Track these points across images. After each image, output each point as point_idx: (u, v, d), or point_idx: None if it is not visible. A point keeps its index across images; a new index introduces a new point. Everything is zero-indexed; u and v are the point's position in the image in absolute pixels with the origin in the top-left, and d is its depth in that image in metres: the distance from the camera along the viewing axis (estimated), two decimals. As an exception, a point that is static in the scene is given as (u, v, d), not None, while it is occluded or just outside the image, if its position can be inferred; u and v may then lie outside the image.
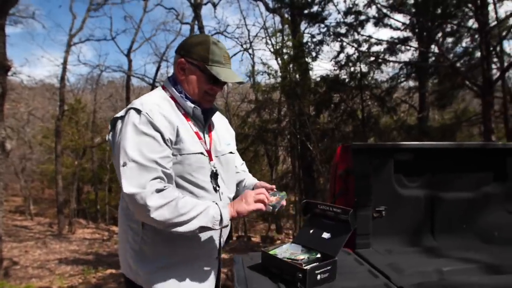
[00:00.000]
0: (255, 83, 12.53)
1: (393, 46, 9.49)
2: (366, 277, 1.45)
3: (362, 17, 9.20)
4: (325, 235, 1.45)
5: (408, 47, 9.61)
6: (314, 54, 9.94)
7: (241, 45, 15.02)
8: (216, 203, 1.19)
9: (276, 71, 11.07)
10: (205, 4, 14.12)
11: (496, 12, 6.95)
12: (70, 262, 9.15)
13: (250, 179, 1.54)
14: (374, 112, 10.30)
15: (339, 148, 2.06)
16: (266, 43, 14.00)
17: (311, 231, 1.52)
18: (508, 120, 7.06)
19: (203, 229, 1.17)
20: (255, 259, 1.54)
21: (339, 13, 9.24)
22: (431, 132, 8.42)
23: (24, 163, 18.64)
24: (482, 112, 7.23)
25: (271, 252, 1.44)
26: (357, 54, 9.50)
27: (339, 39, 9.50)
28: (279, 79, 10.88)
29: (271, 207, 1.28)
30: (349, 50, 9.84)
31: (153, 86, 15.32)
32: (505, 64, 7.44)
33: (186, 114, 1.31)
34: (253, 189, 1.42)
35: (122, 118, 1.24)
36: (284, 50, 11.09)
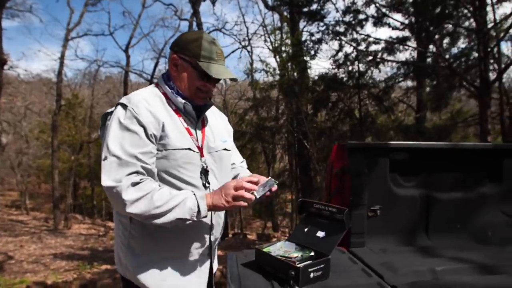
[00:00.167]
0: (253, 81, 12.52)
1: (391, 46, 9.50)
2: (360, 275, 1.45)
3: (361, 16, 9.20)
4: (320, 233, 1.45)
5: (406, 47, 9.62)
6: (312, 52, 9.95)
7: (240, 42, 14.99)
8: (194, 194, 1.18)
9: (274, 69, 11.06)
10: (204, 0, 14.07)
11: (494, 13, 6.96)
12: (65, 257, 9.13)
13: (243, 173, 1.52)
14: (372, 112, 10.32)
15: (335, 146, 2.06)
16: (265, 40, 13.98)
17: (305, 229, 1.52)
18: (504, 121, 7.10)
19: (181, 220, 1.17)
20: (249, 256, 1.53)
21: (337, 11, 9.23)
22: (427, 133, 8.45)
23: (20, 158, 18.54)
24: (479, 113, 7.25)
25: (265, 250, 1.44)
26: (355, 53, 9.50)
27: (337, 38, 9.49)
28: (277, 77, 10.88)
29: (254, 197, 1.22)
30: (348, 49, 9.86)
31: (151, 82, 15.25)
32: (503, 65, 7.46)
33: (178, 110, 1.31)
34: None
35: (111, 113, 1.26)
36: (283, 48, 11.08)
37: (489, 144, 2.20)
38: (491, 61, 7.45)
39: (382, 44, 9.58)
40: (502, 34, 7.13)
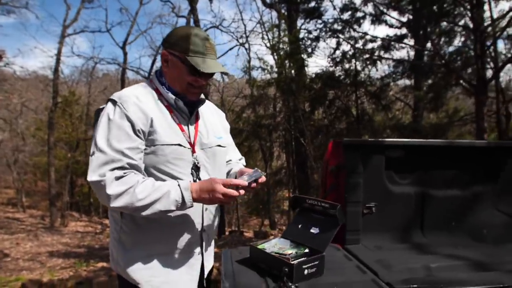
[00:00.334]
0: (250, 78, 12.50)
1: (388, 44, 9.50)
2: (354, 272, 1.45)
3: (359, 14, 9.19)
4: (314, 230, 1.45)
5: (403, 45, 9.63)
6: (310, 50, 9.94)
7: (237, 40, 14.93)
8: (179, 185, 1.17)
9: (271, 67, 11.05)
10: (201, -4, 13.99)
11: (491, 11, 6.97)
12: (61, 255, 9.11)
13: (235, 169, 1.50)
14: (369, 110, 10.33)
15: (331, 143, 2.05)
16: (262, 38, 13.92)
17: (299, 226, 1.52)
18: (500, 119, 7.13)
19: (166, 212, 1.17)
20: (243, 253, 1.53)
21: (335, 9, 9.22)
22: (423, 131, 8.47)
23: (16, 155, 18.44)
24: (475, 111, 7.28)
25: (259, 247, 1.43)
26: (353, 51, 9.50)
27: (335, 36, 9.49)
28: (274, 75, 10.86)
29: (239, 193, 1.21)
30: (345, 47, 9.85)
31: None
32: (499, 63, 7.48)
33: (170, 106, 1.30)
34: (235, 177, 1.39)
35: (103, 109, 1.26)
36: (280, 46, 11.07)
37: (485, 142, 2.20)
38: (488, 59, 7.47)
39: (380, 42, 9.59)
40: (499, 32, 7.14)
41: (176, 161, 1.25)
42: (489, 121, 7.70)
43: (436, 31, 8.68)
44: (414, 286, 1.34)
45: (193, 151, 1.30)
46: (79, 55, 23.14)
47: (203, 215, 1.33)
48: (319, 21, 9.75)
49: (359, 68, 9.61)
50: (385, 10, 9.16)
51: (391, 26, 9.44)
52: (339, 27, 9.52)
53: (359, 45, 9.48)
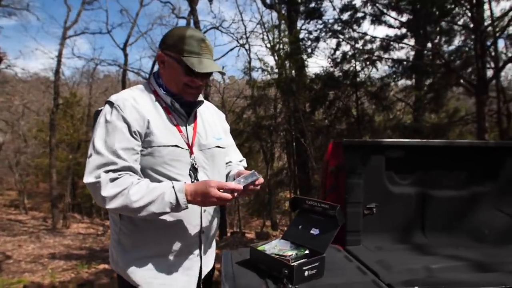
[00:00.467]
0: (251, 79, 12.50)
1: (388, 44, 9.50)
2: (355, 273, 1.44)
3: (359, 15, 9.19)
4: (314, 231, 1.45)
5: (403, 45, 9.62)
6: (310, 50, 9.94)
7: (237, 41, 14.94)
8: (173, 187, 1.17)
9: (272, 67, 11.05)
10: (201, -2, 13.98)
11: (491, 11, 6.96)
12: (63, 257, 9.12)
13: (234, 171, 1.50)
14: (369, 110, 10.32)
15: (331, 144, 2.05)
16: (263, 39, 13.92)
17: (299, 227, 1.51)
18: (501, 119, 7.11)
19: (161, 214, 1.17)
20: (244, 255, 1.52)
21: (334, 9, 9.23)
22: (424, 131, 8.45)
23: (18, 157, 18.49)
24: (476, 111, 7.26)
25: (259, 248, 1.43)
26: (353, 51, 9.50)
27: (335, 36, 9.49)
28: (275, 75, 10.87)
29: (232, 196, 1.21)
30: (345, 47, 9.85)
31: (149, 81, 15.17)
32: (500, 63, 7.46)
33: (168, 108, 1.31)
34: (234, 179, 1.39)
35: (101, 111, 1.27)
36: (280, 46, 11.07)
37: (485, 142, 2.20)
38: (488, 59, 7.45)
39: (380, 42, 9.59)
40: (499, 32, 7.13)
41: (173, 163, 1.25)
42: (490, 121, 7.67)
43: (436, 30, 8.67)
44: (415, 287, 1.34)
45: (191, 152, 1.30)
46: (80, 56, 23.33)
47: (201, 216, 1.33)
48: (320, 22, 9.76)
49: (358, 68, 9.61)
50: (385, 11, 9.16)
51: (390, 26, 9.44)
52: (339, 28, 9.52)
53: (359, 45, 9.48)
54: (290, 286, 1.23)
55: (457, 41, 9.16)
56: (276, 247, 1.44)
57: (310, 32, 10.15)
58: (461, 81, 8.02)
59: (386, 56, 9.60)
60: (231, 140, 1.60)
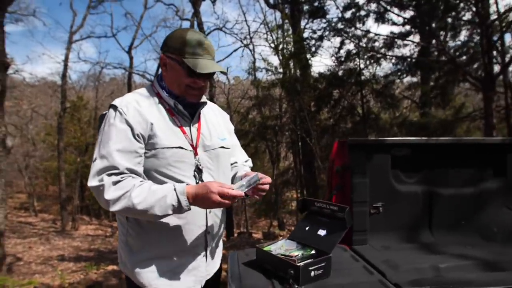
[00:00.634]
0: (255, 79, 12.50)
1: (393, 41, 9.42)
2: (361, 273, 1.44)
3: (363, 12, 9.12)
4: (321, 232, 1.44)
5: (407, 42, 9.53)
6: (313, 49, 9.90)
7: (241, 41, 14.94)
8: (175, 189, 1.17)
9: (276, 67, 11.04)
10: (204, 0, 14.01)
11: (497, 5, 6.85)
12: (72, 259, 9.22)
13: (240, 172, 1.50)
14: (374, 108, 10.25)
15: (336, 143, 2.05)
16: (266, 39, 13.90)
17: (306, 227, 1.51)
18: (510, 115, 7.00)
19: (164, 216, 1.18)
20: (250, 255, 1.53)
21: (337, 8, 9.16)
22: (431, 127, 8.36)
23: (27, 160, 18.73)
24: (484, 107, 7.16)
25: (265, 249, 1.43)
26: (357, 49, 9.44)
27: (339, 34, 9.43)
28: (279, 75, 10.85)
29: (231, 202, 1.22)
30: (349, 45, 9.79)
31: (154, 83, 15.24)
32: (507, 58, 7.36)
33: (171, 109, 1.32)
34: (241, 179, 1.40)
35: (106, 115, 1.29)
36: (284, 46, 11.05)
37: (493, 139, 2.17)
38: (495, 54, 7.34)
39: (384, 40, 9.51)
40: (505, 27, 7.01)
41: (177, 164, 1.26)
42: (498, 117, 7.56)
43: (441, 26, 8.56)
44: (423, 287, 1.33)
45: (196, 153, 1.31)
46: (86, 60, 23.50)
47: (207, 217, 1.33)
48: (323, 20, 9.71)
49: (363, 66, 9.55)
50: (388, 8, 9.08)
51: (394, 23, 9.35)
52: (343, 26, 9.47)
53: (363, 43, 9.41)
54: (296, 286, 1.23)
55: (463, 37, 9.06)
56: (282, 247, 1.45)
57: (314, 31, 10.11)
58: (468, 77, 7.91)
59: (390, 53, 9.52)
60: (236, 140, 1.60)
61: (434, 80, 9.55)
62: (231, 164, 1.53)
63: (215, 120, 1.46)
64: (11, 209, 17.03)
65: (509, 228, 2.05)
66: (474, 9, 7.01)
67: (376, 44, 9.53)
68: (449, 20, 8.36)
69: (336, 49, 9.80)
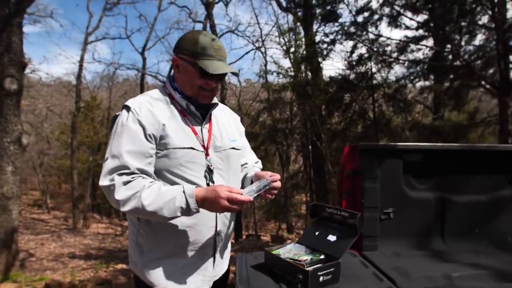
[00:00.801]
0: (267, 82, 12.53)
1: (406, 45, 9.31)
2: (371, 280, 1.42)
3: (376, 16, 9.06)
4: (331, 237, 1.43)
5: (422, 46, 9.40)
6: (325, 53, 9.87)
7: (253, 44, 14.99)
8: (184, 191, 1.18)
9: (287, 70, 11.04)
10: (217, 2, 14.12)
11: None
12: (83, 256, 9.36)
13: (251, 172, 1.50)
14: (386, 112, 10.14)
15: (347, 148, 2.04)
16: (278, 42, 13.92)
17: (316, 232, 1.50)
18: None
19: (172, 218, 1.19)
20: (258, 258, 1.53)
21: (350, 12, 9.11)
22: (444, 131, 8.20)
23: (42, 158, 19.13)
24: (499, 113, 7.00)
25: (274, 252, 1.43)
26: (369, 53, 9.36)
27: (351, 38, 9.38)
28: (290, 78, 10.85)
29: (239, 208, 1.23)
30: (362, 49, 9.72)
31: (166, 84, 15.41)
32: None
33: (183, 110, 1.33)
34: (252, 182, 1.40)
35: (118, 116, 1.31)
36: (296, 49, 11.04)
37: (507, 146, 2.12)
38: (511, 59, 7.17)
39: (398, 44, 9.41)
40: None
41: (189, 164, 1.27)
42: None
43: (456, 30, 8.42)
44: None
45: (207, 154, 1.32)
46: (100, 61, 23.92)
47: (216, 218, 1.34)
48: (336, 24, 9.67)
49: (375, 70, 9.47)
50: (402, 11, 8.98)
51: (407, 28, 9.25)
52: (355, 30, 9.41)
53: (375, 47, 9.33)
54: (304, 291, 1.22)
55: (478, 41, 8.89)
56: (291, 251, 1.44)
57: (326, 35, 10.07)
58: (483, 82, 7.75)
59: (402, 57, 9.41)
60: (246, 142, 1.61)
61: (449, 81, 9.37)
62: (242, 165, 1.54)
63: (226, 122, 1.47)
64: (25, 206, 17.39)
65: (524, 238, 2.00)
66: (490, 13, 6.87)
67: (389, 48, 9.44)
68: (464, 24, 8.22)
69: (348, 53, 9.75)
